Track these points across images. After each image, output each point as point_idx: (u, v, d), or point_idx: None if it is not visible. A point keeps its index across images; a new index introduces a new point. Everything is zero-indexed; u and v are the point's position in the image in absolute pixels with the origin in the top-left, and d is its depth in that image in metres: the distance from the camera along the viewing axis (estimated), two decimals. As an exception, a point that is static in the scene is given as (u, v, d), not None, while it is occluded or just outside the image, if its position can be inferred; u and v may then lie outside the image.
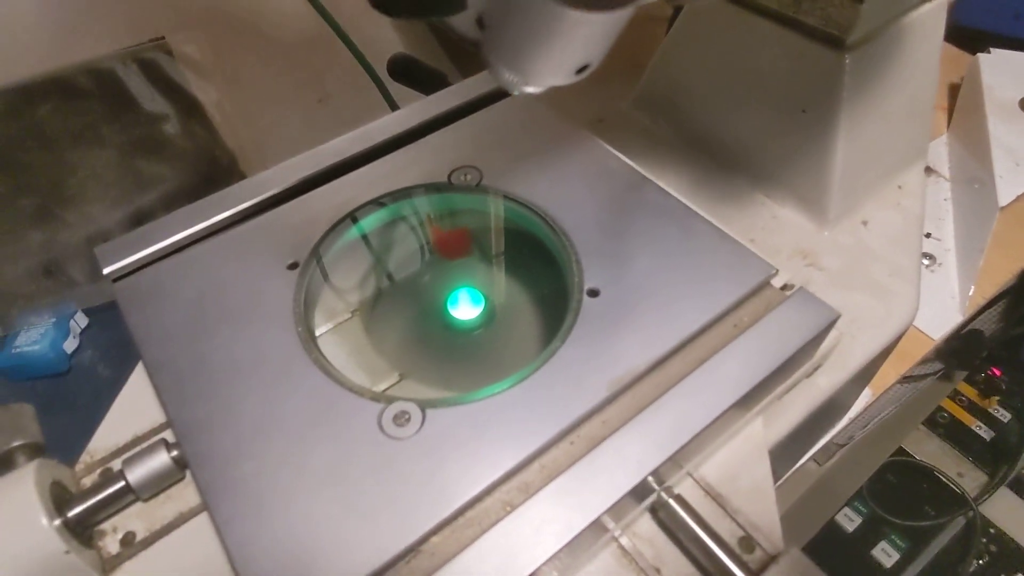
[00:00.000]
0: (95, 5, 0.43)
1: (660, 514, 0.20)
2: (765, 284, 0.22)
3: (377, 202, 0.26)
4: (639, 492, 0.18)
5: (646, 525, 0.20)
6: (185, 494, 0.20)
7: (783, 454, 0.24)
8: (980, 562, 0.71)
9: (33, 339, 0.38)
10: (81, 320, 0.40)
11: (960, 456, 0.78)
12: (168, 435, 0.21)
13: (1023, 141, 0.44)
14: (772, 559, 0.18)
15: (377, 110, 0.49)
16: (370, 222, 0.26)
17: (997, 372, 0.80)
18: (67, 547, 0.18)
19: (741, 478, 0.20)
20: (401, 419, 0.19)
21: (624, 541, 0.20)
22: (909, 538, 0.73)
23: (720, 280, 0.22)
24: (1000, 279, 0.41)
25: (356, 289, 0.26)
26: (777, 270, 0.22)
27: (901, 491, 0.74)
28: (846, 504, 0.74)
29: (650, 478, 0.18)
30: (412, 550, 0.17)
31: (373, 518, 0.17)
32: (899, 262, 0.28)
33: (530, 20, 0.13)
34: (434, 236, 0.26)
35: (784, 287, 0.22)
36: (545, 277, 0.25)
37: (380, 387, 0.23)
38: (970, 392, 0.81)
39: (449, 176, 0.26)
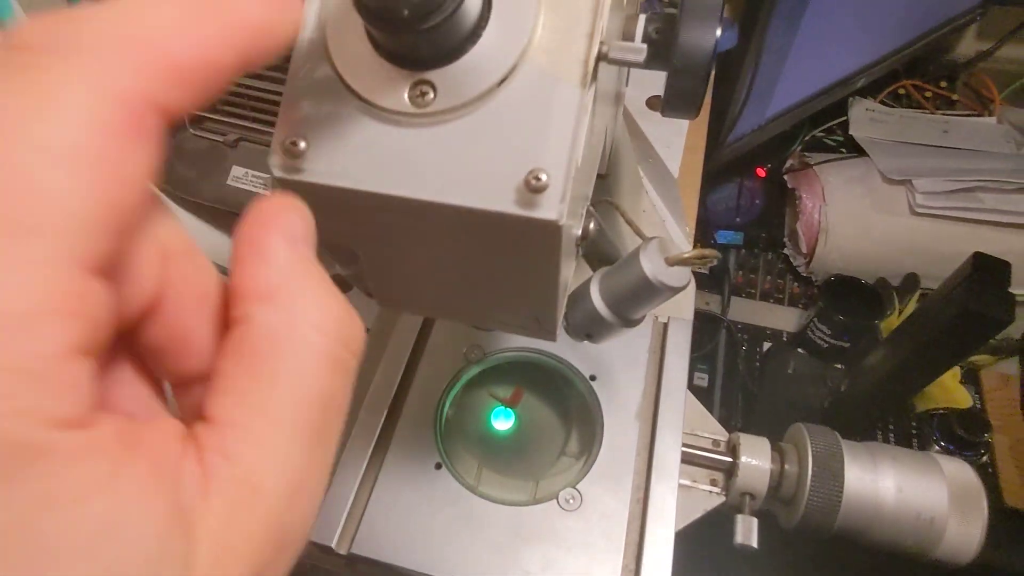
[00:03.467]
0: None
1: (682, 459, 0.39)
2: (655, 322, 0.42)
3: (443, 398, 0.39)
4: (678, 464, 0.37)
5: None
6: None
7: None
8: (744, 348, 1.05)
9: None
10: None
11: (702, 293, 1.12)
12: None
13: (657, 128, 0.70)
14: (732, 444, 0.38)
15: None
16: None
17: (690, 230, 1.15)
18: None
19: (695, 419, 0.40)
20: (572, 501, 0.34)
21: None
22: (706, 361, 1.03)
23: (639, 338, 0.41)
24: (692, 214, 0.67)
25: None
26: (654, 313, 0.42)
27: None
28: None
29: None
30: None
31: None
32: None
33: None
34: (505, 400, 0.41)
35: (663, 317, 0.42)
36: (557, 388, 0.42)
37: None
38: (684, 252, 1.16)
39: (467, 355, 0.40)
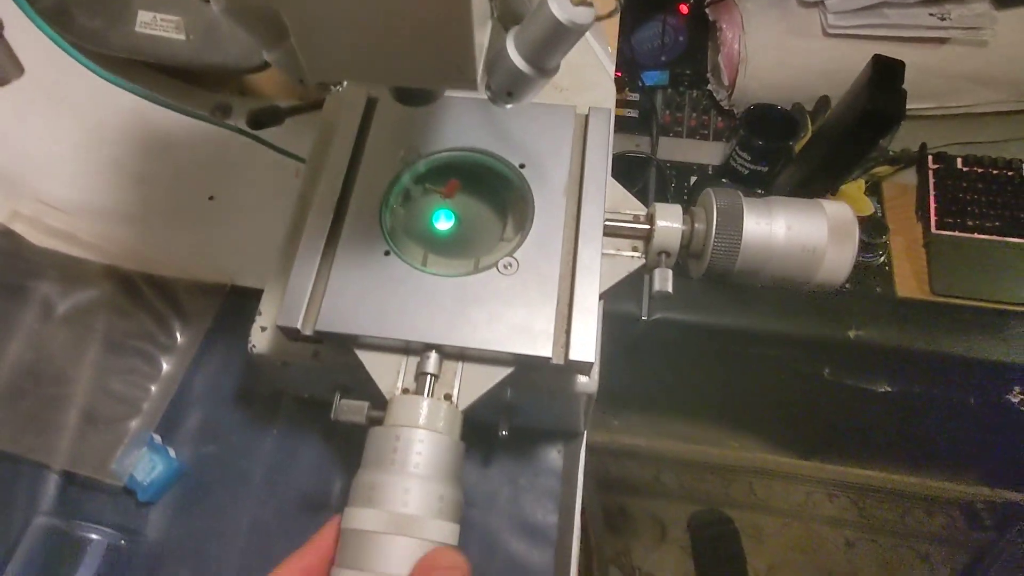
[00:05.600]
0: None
1: (606, 231, 0.43)
2: (575, 114, 0.44)
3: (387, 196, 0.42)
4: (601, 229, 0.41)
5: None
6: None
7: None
8: (673, 184, 1.10)
9: (148, 469, 0.47)
10: (156, 439, 0.49)
11: (631, 136, 1.16)
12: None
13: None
14: (649, 215, 0.43)
15: (257, 175, 0.59)
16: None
17: (618, 73, 1.16)
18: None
19: (617, 200, 0.44)
20: (510, 267, 0.39)
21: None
22: (638, 198, 1.08)
23: (562, 128, 0.43)
24: (611, 38, 0.68)
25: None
26: (575, 104, 0.44)
27: (617, 173, 1.09)
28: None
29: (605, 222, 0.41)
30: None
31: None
32: (592, 63, 0.52)
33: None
34: (442, 191, 0.43)
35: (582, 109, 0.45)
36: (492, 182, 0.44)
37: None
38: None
39: (404, 158, 0.43)
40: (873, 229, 0.94)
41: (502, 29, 0.31)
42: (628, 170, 1.10)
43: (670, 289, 0.40)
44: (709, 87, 1.14)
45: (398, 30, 0.25)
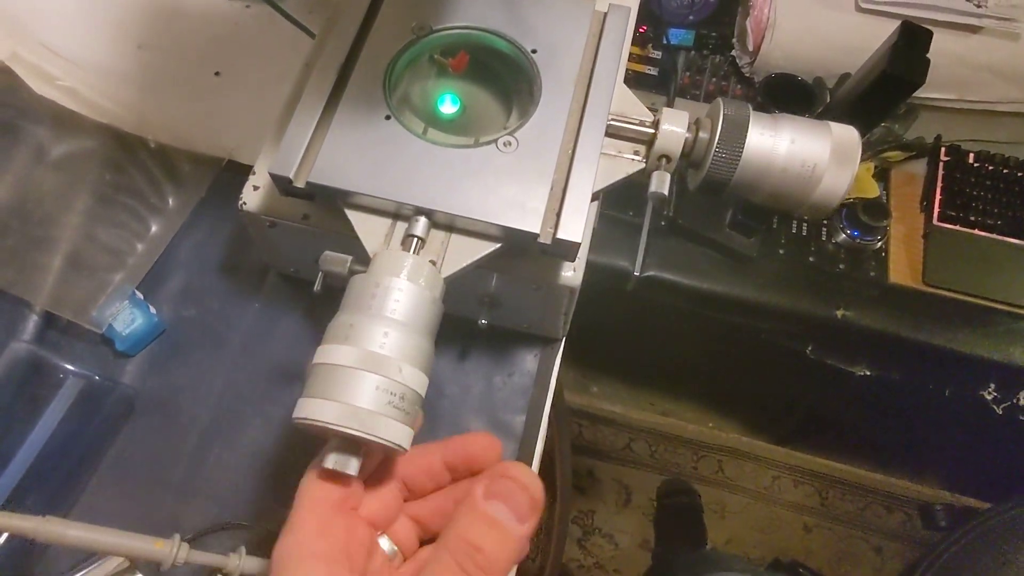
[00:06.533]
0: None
1: (609, 131, 0.42)
2: (595, 8, 0.44)
3: (393, 64, 0.41)
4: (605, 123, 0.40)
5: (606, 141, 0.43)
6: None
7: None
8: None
9: (128, 321, 0.47)
10: (138, 294, 0.49)
11: (648, 93, 1.15)
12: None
13: None
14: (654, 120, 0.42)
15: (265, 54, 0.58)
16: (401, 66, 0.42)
17: (643, 28, 1.15)
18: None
19: (625, 104, 0.44)
20: (509, 145, 0.38)
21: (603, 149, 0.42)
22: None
23: (579, 20, 0.43)
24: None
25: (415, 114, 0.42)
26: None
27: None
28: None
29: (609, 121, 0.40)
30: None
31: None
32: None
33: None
34: (450, 63, 0.42)
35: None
36: (503, 65, 0.44)
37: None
38: (635, 50, 1.16)
39: (415, 29, 0.42)
40: (876, 213, 0.94)
41: None
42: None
43: (665, 191, 0.40)
44: (733, 53, 1.13)
45: None
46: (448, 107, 0.44)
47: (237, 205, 0.42)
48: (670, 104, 1.12)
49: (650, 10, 1.15)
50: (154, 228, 0.51)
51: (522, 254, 0.38)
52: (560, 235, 0.36)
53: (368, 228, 0.37)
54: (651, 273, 1.00)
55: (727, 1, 1.13)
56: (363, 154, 0.38)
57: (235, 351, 0.48)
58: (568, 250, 0.37)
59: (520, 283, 0.42)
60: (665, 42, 1.14)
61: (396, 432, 0.30)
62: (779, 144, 0.39)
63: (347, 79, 0.41)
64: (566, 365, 1.77)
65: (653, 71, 1.15)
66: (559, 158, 0.38)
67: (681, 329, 1.23)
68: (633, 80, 1.15)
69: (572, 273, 0.41)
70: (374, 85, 0.40)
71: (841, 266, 0.98)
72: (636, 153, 0.42)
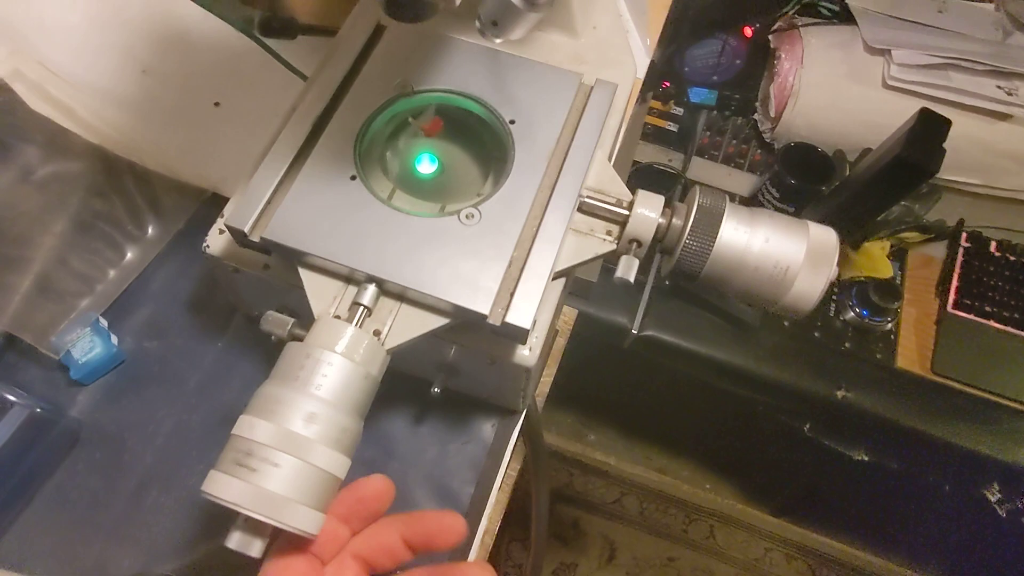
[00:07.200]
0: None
1: (581, 208, 0.41)
2: (580, 84, 0.43)
3: (368, 123, 0.40)
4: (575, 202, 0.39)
5: (578, 217, 0.42)
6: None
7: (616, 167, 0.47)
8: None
9: (86, 349, 0.47)
10: (102, 321, 0.49)
11: (665, 149, 1.13)
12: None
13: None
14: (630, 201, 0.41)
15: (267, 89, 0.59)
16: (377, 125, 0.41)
17: (666, 84, 1.14)
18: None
19: (604, 181, 0.43)
20: (471, 218, 0.37)
21: (573, 227, 0.41)
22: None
23: (562, 93, 0.42)
24: (656, 31, 0.66)
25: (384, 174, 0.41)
26: (581, 73, 0.43)
27: (643, 186, 1.07)
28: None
29: (581, 196, 0.39)
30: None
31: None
32: (620, 44, 0.51)
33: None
34: (423, 128, 0.42)
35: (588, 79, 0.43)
36: (480, 133, 0.43)
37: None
38: (656, 104, 1.15)
39: (397, 87, 0.41)
40: (888, 293, 0.91)
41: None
42: (654, 182, 1.08)
43: (631, 279, 0.38)
44: (755, 116, 1.12)
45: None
46: (426, 167, 0.43)
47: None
48: (686, 163, 1.11)
49: (674, 67, 1.15)
50: (129, 255, 0.51)
51: (477, 328, 0.37)
52: (508, 318, 0.34)
53: (318, 289, 0.36)
54: (649, 332, 0.98)
55: (752, 65, 1.11)
56: (323, 214, 0.37)
57: (190, 391, 0.47)
58: (517, 334, 0.35)
59: (475, 356, 0.40)
60: (686, 99, 1.13)
61: (305, 518, 0.29)
62: (753, 241, 0.37)
63: (320, 131, 0.40)
64: (564, 409, 1.72)
65: (673, 127, 1.14)
66: (522, 234, 0.37)
67: (678, 390, 1.20)
68: (652, 135, 1.14)
69: (528, 352, 0.39)
70: (345, 142, 0.39)
71: (847, 344, 0.94)
72: (608, 233, 0.40)
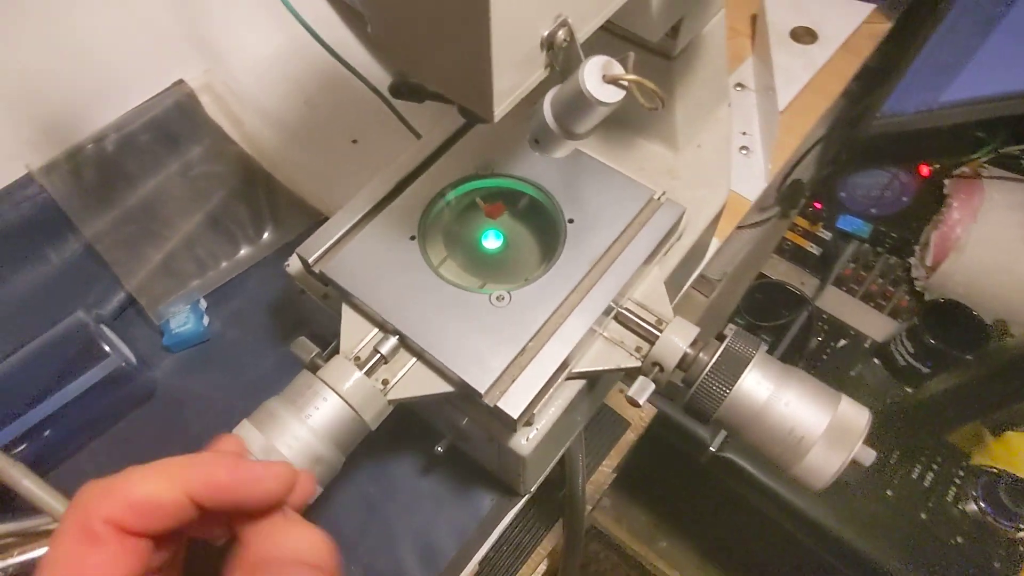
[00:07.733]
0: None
1: (618, 317, 0.41)
2: (651, 199, 0.43)
3: (441, 193, 0.44)
4: (607, 309, 0.39)
5: (613, 326, 0.42)
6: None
7: (672, 284, 0.47)
8: (819, 339, 1.01)
9: (182, 322, 0.54)
10: (202, 303, 0.57)
11: (800, 270, 1.08)
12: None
13: (792, 61, 0.67)
14: (667, 323, 0.40)
15: (399, 139, 0.65)
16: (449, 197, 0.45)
17: (818, 205, 1.09)
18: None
19: (651, 298, 0.42)
20: (501, 300, 0.39)
21: (606, 334, 0.41)
22: (773, 334, 1.02)
23: (629, 204, 0.43)
24: (787, 154, 0.65)
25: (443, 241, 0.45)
26: (655, 190, 0.43)
27: (765, 303, 1.02)
28: (729, 320, 1.02)
29: (611, 303, 0.39)
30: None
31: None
32: (719, 165, 0.50)
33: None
34: (485, 208, 0.45)
35: (660, 197, 0.44)
36: (541, 224, 0.45)
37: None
38: (802, 223, 1.10)
39: (479, 166, 0.45)
40: (1020, 495, 0.78)
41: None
42: (777, 303, 1.02)
43: (640, 401, 0.37)
44: (911, 260, 1.03)
45: (433, 25, 0.27)
46: (492, 242, 0.45)
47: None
48: (820, 290, 1.04)
49: (831, 190, 1.09)
50: (242, 252, 0.58)
51: (479, 404, 0.38)
52: (500, 402, 0.35)
53: (353, 328, 0.40)
54: (728, 455, 0.92)
55: (920, 205, 1.03)
56: (376, 264, 0.41)
57: (246, 383, 0.53)
58: (507, 420, 0.36)
59: (479, 428, 0.41)
60: (836, 225, 1.06)
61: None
62: (775, 399, 0.35)
63: (402, 191, 0.44)
64: (640, 505, 1.63)
65: (815, 250, 1.08)
66: (544, 328, 0.38)
67: (761, 522, 1.11)
68: (790, 252, 1.08)
69: (525, 442, 0.39)
70: (416, 205, 0.43)
71: (958, 539, 0.82)
72: (638, 349, 0.40)
